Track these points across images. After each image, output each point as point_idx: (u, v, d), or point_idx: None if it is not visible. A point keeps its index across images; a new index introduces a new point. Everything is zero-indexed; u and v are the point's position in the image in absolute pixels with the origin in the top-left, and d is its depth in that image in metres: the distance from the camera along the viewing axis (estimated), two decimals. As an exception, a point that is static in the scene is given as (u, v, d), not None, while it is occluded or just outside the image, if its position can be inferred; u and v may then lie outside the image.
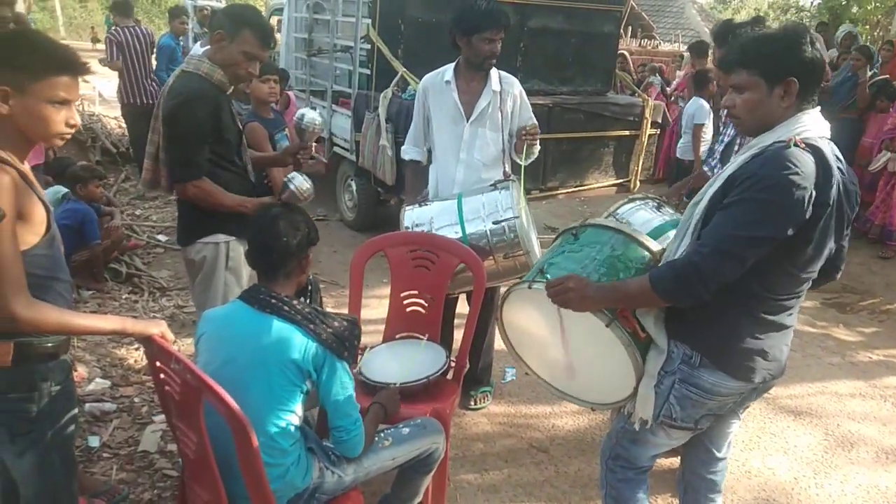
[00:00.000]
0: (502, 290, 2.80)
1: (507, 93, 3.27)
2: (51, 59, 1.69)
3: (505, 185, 3.08)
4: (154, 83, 7.25)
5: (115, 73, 7.30)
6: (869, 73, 7.12)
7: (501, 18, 3.10)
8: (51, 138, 1.76)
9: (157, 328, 1.88)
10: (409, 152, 3.49)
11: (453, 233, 3.00)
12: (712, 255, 1.80)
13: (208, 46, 2.77)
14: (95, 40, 29.64)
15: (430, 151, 3.49)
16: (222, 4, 10.27)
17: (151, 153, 2.77)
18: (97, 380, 3.55)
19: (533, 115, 3.39)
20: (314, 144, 3.48)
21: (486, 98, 3.23)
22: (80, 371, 3.56)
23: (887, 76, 7.35)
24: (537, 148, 3.29)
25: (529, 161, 3.26)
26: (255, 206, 2.74)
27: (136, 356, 3.86)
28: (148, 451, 3.06)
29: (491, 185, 3.13)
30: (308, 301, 2.31)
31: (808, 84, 1.85)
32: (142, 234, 5.94)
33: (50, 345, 1.79)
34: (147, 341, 1.89)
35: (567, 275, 2.03)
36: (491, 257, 2.99)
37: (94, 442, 3.06)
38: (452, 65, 3.28)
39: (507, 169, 3.31)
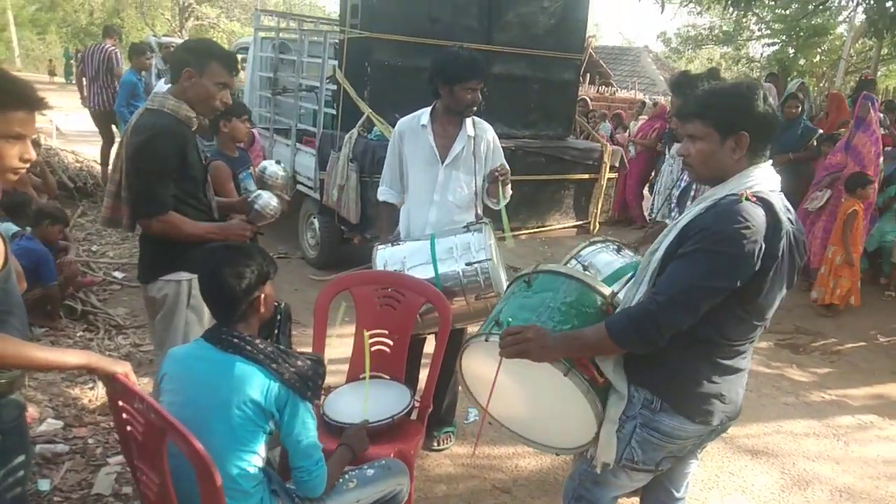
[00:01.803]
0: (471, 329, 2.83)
1: (481, 138, 3.35)
2: (6, 93, 1.65)
3: (478, 228, 3.14)
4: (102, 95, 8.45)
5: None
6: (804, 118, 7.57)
7: (483, 69, 3.21)
8: (4, 173, 1.70)
9: (122, 367, 1.85)
10: (384, 194, 3.52)
11: (426, 273, 3.02)
12: (667, 303, 1.86)
13: (170, 85, 2.78)
14: (52, 73, 29.35)
15: None
16: (186, 41, 10.29)
17: (112, 192, 2.77)
18: (49, 420, 3.44)
19: (504, 160, 3.47)
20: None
21: (461, 142, 3.30)
22: (31, 411, 3.44)
23: (822, 130, 7.70)
24: (510, 191, 3.37)
25: (503, 204, 3.34)
26: (224, 230, 2.75)
27: (90, 395, 3.76)
28: (102, 494, 2.97)
29: (464, 227, 3.18)
30: (277, 330, 2.29)
31: (759, 138, 1.93)
32: (98, 270, 5.82)
33: (3, 381, 1.74)
34: (110, 380, 1.85)
35: (526, 325, 2.05)
36: (462, 298, 3.02)
37: (44, 485, 2.95)
38: (428, 109, 3.36)
39: (479, 211, 3.37)
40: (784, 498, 3.48)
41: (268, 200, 2.67)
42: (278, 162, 2.97)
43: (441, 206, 3.34)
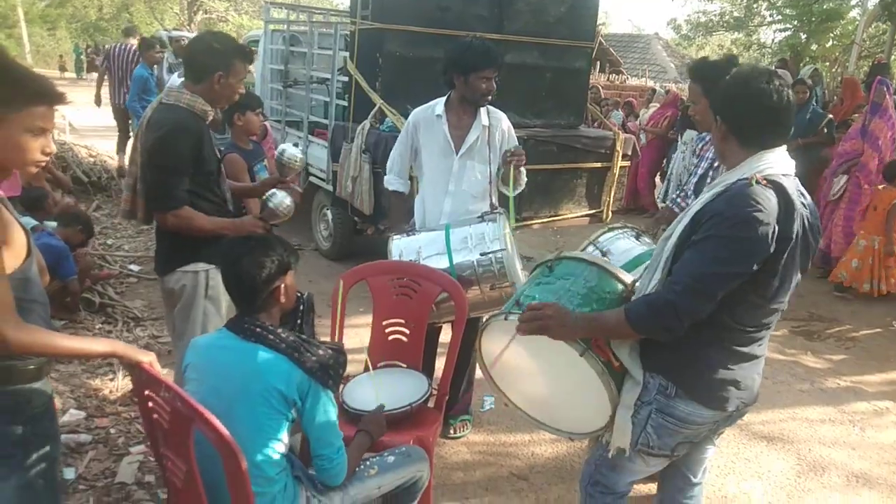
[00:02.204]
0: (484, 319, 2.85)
1: (496, 127, 3.37)
2: (28, 89, 1.69)
3: (492, 217, 3.15)
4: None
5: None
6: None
7: (498, 58, 3.20)
8: (27, 166, 1.75)
9: (147, 357, 1.88)
10: (392, 183, 3.54)
11: (441, 263, 3.04)
12: (685, 292, 1.87)
13: (183, 79, 2.83)
14: (63, 69, 29.48)
15: (411, 180, 3.55)
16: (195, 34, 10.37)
17: (129, 185, 2.82)
18: (71, 411, 3.49)
19: (520, 147, 3.48)
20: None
21: (476, 132, 3.31)
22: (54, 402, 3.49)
23: (831, 116, 7.64)
24: (524, 178, 3.38)
25: (518, 191, 3.35)
26: (237, 226, 2.78)
27: (110, 387, 3.81)
28: (125, 482, 3.01)
29: (479, 217, 3.20)
30: (300, 320, 2.32)
31: (742, 126, 1.96)
32: (114, 263, 5.88)
33: (32, 367, 1.79)
34: (135, 368, 1.89)
35: (546, 302, 2.07)
36: (477, 288, 3.04)
37: (69, 474, 3.00)
38: (443, 99, 3.36)
39: (494, 201, 3.38)
40: (800, 483, 3.48)
41: (282, 199, 2.72)
42: (296, 144, 3.07)
43: (456, 195, 3.35)
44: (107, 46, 10.75)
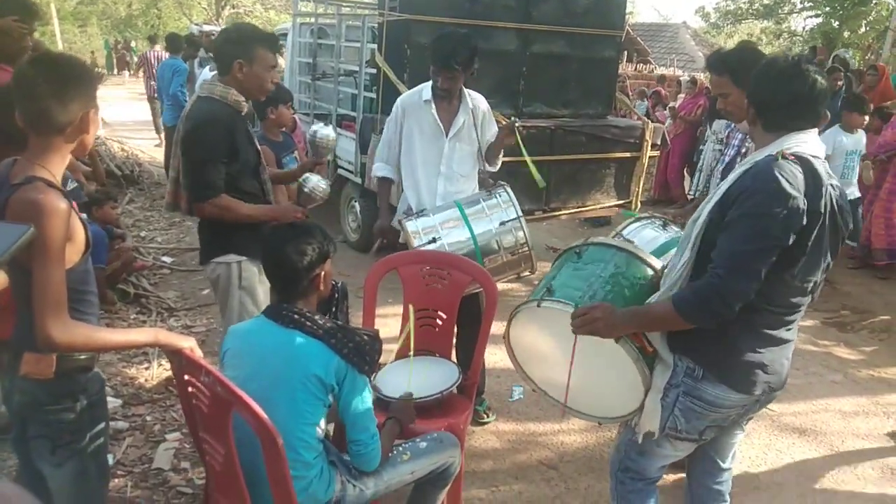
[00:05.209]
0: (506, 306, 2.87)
1: (478, 109, 3.50)
2: (92, 73, 1.81)
3: (498, 190, 3.28)
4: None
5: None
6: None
7: (453, 63, 3.21)
8: (86, 152, 1.87)
9: (188, 342, 1.93)
10: (381, 170, 3.62)
11: (462, 234, 3.15)
12: (728, 275, 1.87)
13: (215, 73, 2.86)
14: (94, 65, 29.85)
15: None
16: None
17: (173, 178, 2.88)
18: (108, 398, 3.56)
19: (496, 129, 3.62)
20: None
21: (463, 116, 3.43)
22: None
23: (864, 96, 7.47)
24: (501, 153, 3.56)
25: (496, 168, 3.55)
26: (277, 212, 2.85)
27: (146, 375, 3.89)
28: (162, 468, 3.09)
29: (486, 192, 3.33)
30: (335, 308, 2.35)
31: (767, 109, 1.98)
32: (147, 255, 5.98)
33: (84, 357, 1.85)
34: (176, 354, 1.93)
35: (594, 304, 2.08)
36: (498, 255, 3.17)
37: (108, 460, 3.07)
38: (430, 84, 3.42)
39: (481, 176, 3.55)
40: (834, 475, 3.45)
41: (316, 182, 2.77)
42: (327, 124, 3.15)
43: (448, 176, 3.48)
44: (140, 54, 13.31)
